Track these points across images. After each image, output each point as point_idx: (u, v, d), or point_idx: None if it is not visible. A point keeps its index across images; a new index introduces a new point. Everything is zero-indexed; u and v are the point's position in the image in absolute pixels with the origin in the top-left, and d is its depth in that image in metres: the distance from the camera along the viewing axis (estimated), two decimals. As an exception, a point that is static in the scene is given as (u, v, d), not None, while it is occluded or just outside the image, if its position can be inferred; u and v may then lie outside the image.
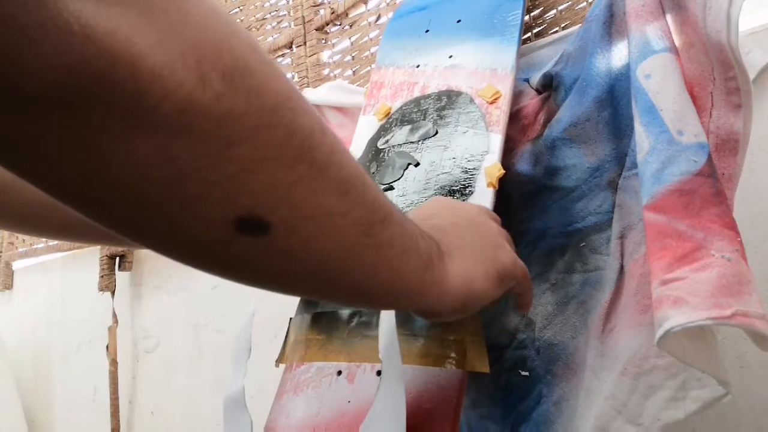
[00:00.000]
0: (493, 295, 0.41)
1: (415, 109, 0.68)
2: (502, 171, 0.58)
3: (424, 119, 0.66)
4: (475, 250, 0.40)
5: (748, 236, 0.51)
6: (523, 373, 0.61)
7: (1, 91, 0.19)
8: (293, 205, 0.26)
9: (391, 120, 0.69)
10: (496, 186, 0.57)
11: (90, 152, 0.21)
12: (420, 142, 0.64)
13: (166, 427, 1.38)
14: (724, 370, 0.45)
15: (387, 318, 0.47)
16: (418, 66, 0.72)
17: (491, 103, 0.62)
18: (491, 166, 0.58)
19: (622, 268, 0.54)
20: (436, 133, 0.64)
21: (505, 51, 0.65)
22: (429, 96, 0.68)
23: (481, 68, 0.66)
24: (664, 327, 0.42)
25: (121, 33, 0.19)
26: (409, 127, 0.67)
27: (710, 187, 0.46)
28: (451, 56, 0.69)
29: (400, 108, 0.69)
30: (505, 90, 0.63)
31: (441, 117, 0.65)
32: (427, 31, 0.74)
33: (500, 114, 0.61)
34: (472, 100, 0.64)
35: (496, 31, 0.67)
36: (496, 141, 0.60)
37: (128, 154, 0.21)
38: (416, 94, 0.69)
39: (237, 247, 0.26)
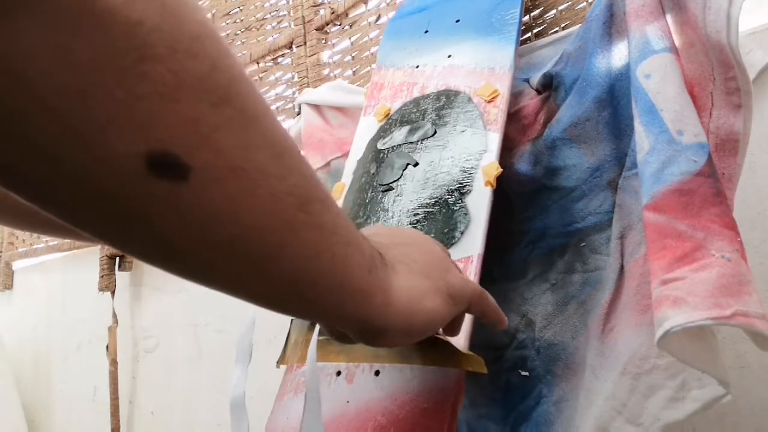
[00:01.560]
0: (444, 313, 0.37)
1: (414, 110, 0.68)
2: (500, 170, 0.58)
3: (422, 119, 0.66)
4: (422, 268, 0.36)
5: (748, 236, 0.51)
6: (523, 373, 0.61)
7: None
8: (218, 151, 0.23)
9: (390, 121, 0.69)
10: (494, 185, 0.57)
11: None
12: (419, 143, 0.64)
13: (166, 427, 1.38)
14: (724, 370, 0.45)
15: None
16: (417, 66, 0.72)
17: (489, 101, 0.63)
18: (489, 165, 0.58)
19: (622, 268, 0.54)
20: (435, 133, 0.64)
21: (503, 50, 0.65)
22: (428, 96, 0.68)
23: (480, 67, 0.66)
24: (664, 327, 0.42)
25: None
26: (408, 127, 0.67)
27: (710, 187, 0.46)
28: (450, 56, 0.69)
29: (400, 109, 0.69)
30: (503, 89, 0.63)
31: (440, 117, 0.65)
32: (426, 31, 0.74)
33: (498, 113, 0.61)
34: (470, 100, 0.64)
35: (495, 30, 0.67)
36: (494, 140, 0.60)
37: (26, 50, 0.19)
38: (415, 94, 0.69)
39: (151, 191, 0.22)
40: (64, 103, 0.19)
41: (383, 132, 0.69)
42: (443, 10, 0.74)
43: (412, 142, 0.65)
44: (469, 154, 0.60)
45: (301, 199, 0.26)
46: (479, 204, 0.56)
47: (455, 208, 0.57)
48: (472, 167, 0.59)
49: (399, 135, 0.67)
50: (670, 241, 0.45)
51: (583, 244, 0.59)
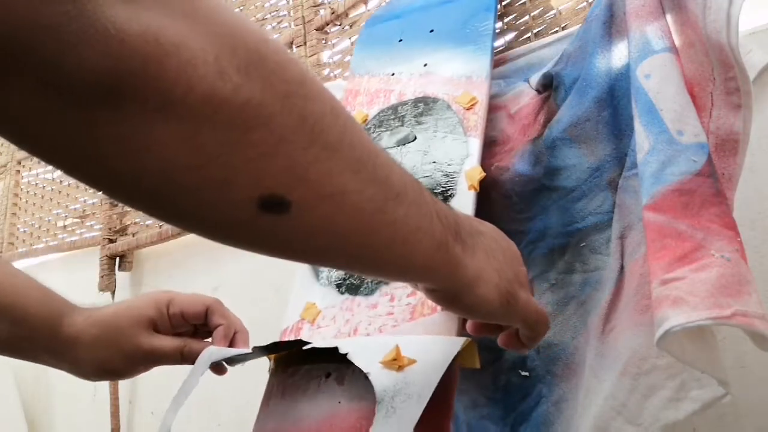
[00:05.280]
0: (489, 307, 0.41)
1: (393, 116, 0.69)
2: (483, 174, 0.60)
3: (402, 125, 0.68)
4: (498, 266, 0.41)
5: (748, 236, 0.51)
6: (523, 373, 0.61)
7: (50, 89, 0.21)
8: (310, 185, 0.28)
9: (368, 126, 0.71)
10: (477, 188, 0.59)
11: (129, 142, 0.23)
12: (399, 148, 0.66)
13: (166, 427, 1.37)
14: (724, 371, 0.45)
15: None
16: (393, 74, 0.73)
17: (468, 109, 0.65)
18: (472, 169, 0.60)
19: (622, 268, 0.54)
20: (415, 138, 0.66)
21: (479, 59, 0.68)
22: (406, 103, 0.69)
23: (457, 75, 0.68)
24: (664, 327, 0.42)
25: (150, 35, 0.22)
26: (387, 133, 0.68)
27: (710, 187, 0.46)
28: (426, 64, 0.71)
29: (377, 115, 0.71)
30: (481, 96, 0.65)
31: (419, 123, 0.67)
32: (400, 40, 0.76)
33: (477, 119, 0.63)
34: (449, 107, 0.66)
35: (469, 40, 0.70)
36: (474, 145, 0.62)
37: (161, 143, 0.24)
38: (393, 101, 0.71)
39: (262, 225, 0.28)
40: (192, 173, 0.25)
41: None
42: (416, 20, 0.76)
43: (391, 147, 0.67)
44: (451, 159, 0.62)
45: (377, 204, 0.32)
46: (463, 207, 0.58)
47: None
48: (454, 172, 0.61)
49: (378, 140, 0.68)
50: (670, 241, 0.45)
51: (583, 244, 0.59)
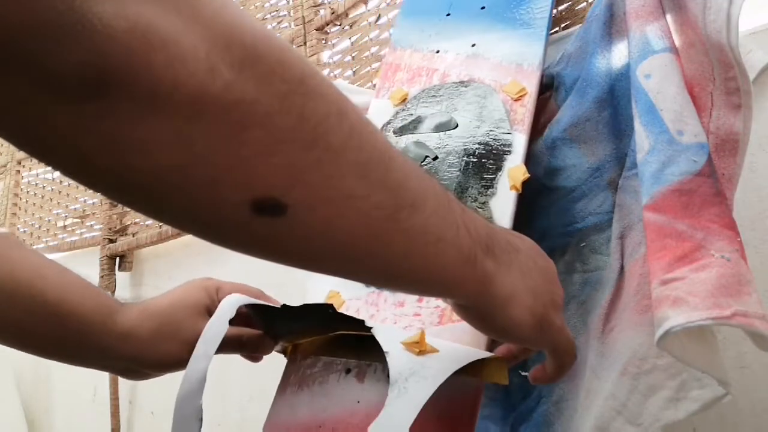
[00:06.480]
0: (523, 330, 0.38)
1: (435, 98, 0.65)
2: (527, 175, 0.55)
3: (444, 110, 0.63)
4: (534, 287, 0.39)
5: (748, 236, 0.51)
6: (524, 373, 0.61)
7: (39, 85, 0.21)
8: (309, 187, 0.27)
9: (408, 106, 0.66)
10: (520, 189, 0.55)
11: (116, 139, 0.23)
12: (440, 134, 0.62)
13: (166, 427, 1.38)
14: (724, 371, 0.45)
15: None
16: (437, 51, 0.68)
17: (516, 100, 0.60)
18: (515, 167, 0.56)
19: (622, 268, 0.54)
20: (457, 126, 0.61)
21: (531, 46, 0.63)
22: (449, 85, 0.65)
23: (506, 61, 0.63)
24: (664, 327, 0.42)
25: (138, 30, 0.21)
26: (428, 116, 0.64)
27: (710, 187, 0.46)
28: (474, 44, 0.66)
29: (418, 95, 0.66)
30: (531, 87, 0.60)
31: (462, 109, 0.62)
32: (448, 14, 0.70)
33: (525, 112, 0.59)
34: (496, 95, 0.61)
35: (523, 23, 0.64)
36: (520, 141, 0.57)
37: (149, 140, 0.23)
38: (435, 81, 0.66)
39: (256, 227, 0.27)
40: (180, 171, 0.24)
41: (399, 118, 0.66)
42: None
43: (430, 133, 0.62)
44: (493, 155, 0.58)
45: (387, 211, 0.30)
46: (503, 208, 0.54)
47: (478, 211, 0.55)
48: (496, 168, 0.57)
49: (417, 123, 0.64)
50: (670, 241, 0.45)
51: (584, 244, 0.59)
